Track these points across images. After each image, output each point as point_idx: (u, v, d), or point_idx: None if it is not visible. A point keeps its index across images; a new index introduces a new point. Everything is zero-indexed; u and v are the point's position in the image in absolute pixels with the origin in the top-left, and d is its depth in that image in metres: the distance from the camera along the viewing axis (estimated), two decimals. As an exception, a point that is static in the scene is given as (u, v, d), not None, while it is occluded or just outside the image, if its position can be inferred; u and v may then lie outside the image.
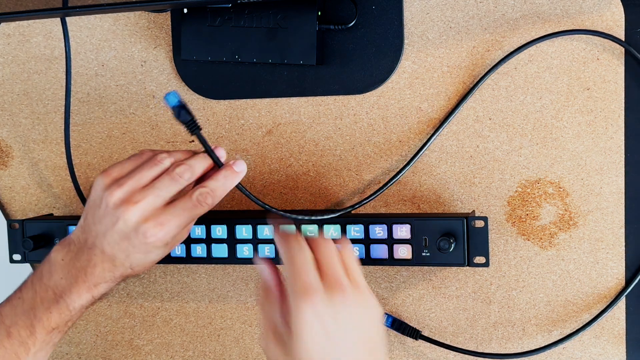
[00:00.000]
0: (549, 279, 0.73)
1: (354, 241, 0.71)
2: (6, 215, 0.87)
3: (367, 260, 0.71)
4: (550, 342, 0.73)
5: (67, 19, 0.78)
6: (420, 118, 0.75)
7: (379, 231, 0.70)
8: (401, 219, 0.70)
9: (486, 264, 0.69)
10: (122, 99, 0.83)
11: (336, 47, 0.76)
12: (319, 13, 0.74)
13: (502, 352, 0.74)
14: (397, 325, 0.75)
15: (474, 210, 0.73)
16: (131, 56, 0.82)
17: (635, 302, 0.71)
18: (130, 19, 0.82)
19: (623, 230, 0.71)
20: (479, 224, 0.69)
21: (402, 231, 0.69)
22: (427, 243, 0.69)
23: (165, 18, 0.80)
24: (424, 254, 0.69)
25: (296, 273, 0.57)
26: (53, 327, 0.67)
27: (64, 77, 0.83)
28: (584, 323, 0.72)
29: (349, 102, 0.77)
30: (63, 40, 0.76)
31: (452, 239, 0.67)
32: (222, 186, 0.67)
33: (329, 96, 0.77)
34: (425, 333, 0.76)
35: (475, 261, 0.69)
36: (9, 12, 0.69)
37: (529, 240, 0.73)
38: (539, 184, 0.72)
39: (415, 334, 0.75)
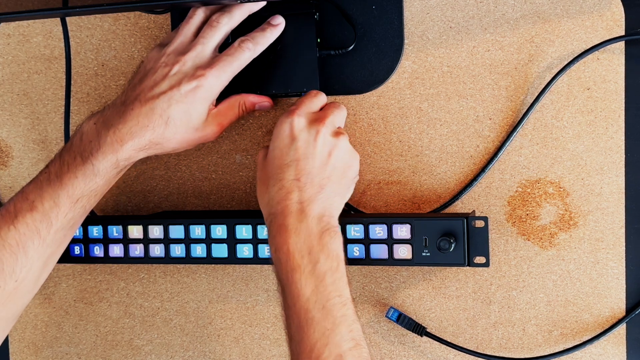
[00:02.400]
0: (549, 279, 0.73)
1: (354, 241, 0.71)
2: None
3: (367, 260, 0.70)
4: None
5: (67, 19, 0.78)
6: (420, 118, 0.75)
7: (379, 231, 0.70)
8: (401, 219, 0.70)
9: (486, 264, 0.69)
10: (122, 99, 0.83)
11: (336, 47, 0.76)
12: (319, 40, 0.74)
13: (506, 356, 0.74)
14: (402, 320, 0.75)
15: (474, 210, 0.73)
16: (131, 56, 0.82)
17: (635, 303, 0.71)
18: (130, 19, 0.82)
19: (623, 230, 0.71)
20: (479, 224, 0.69)
21: (402, 231, 0.69)
22: (427, 243, 0.69)
23: (165, 18, 0.80)
24: (424, 254, 0.69)
25: (299, 101, 0.68)
26: (78, 196, 0.66)
27: (64, 77, 0.83)
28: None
29: (349, 102, 0.77)
30: (62, 40, 0.77)
31: (452, 239, 0.67)
32: (261, 35, 0.71)
33: (329, 96, 0.77)
34: (425, 333, 0.76)
35: (475, 261, 0.69)
36: (9, 12, 0.69)
37: (529, 240, 0.73)
38: (539, 184, 0.72)
39: (420, 330, 0.74)
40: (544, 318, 0.73)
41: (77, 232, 0.77)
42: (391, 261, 0.70)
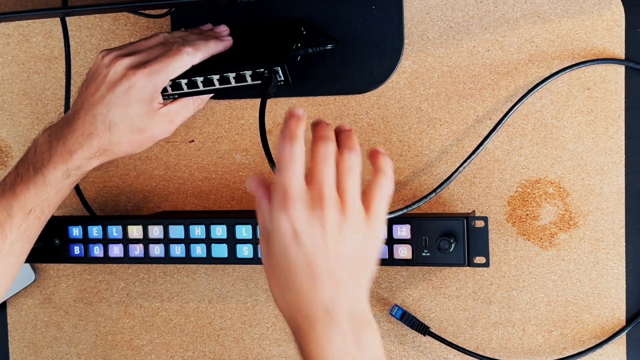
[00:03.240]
0: (549, 279, 0.73)
1: None
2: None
3: None
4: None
5: (67, 19, 0.78)
6: (420, 118, 0.75)
7: None
8: (401, 218, 0.70)
9: (486, 264, 0.69)
10: (122, 99, 0.83)
11: (336, 47, 0.76)
12: (299, 45, 0.72)
13: (506, 356, 0.74)
14: (406, 318, 0.75)
15: (474, 211, 0.73)
16: (131, 56, 0.82)
17: (635, 303, 0.71)
18: (130, 19, 0.81)
19: (623, 230, 0.71)
20: (479, 224, 0.69)
21: (402, 231, 0.69)
22: (427, 243, 0.69)
23: (165, 18, 0.80)
24: (424, 254, 0.69)
25: (280, 172, 0.53)
26: (30, 207, 0.65)
27: (64, 77, 0.83)
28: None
29: (349, 102, 0.77)
30: (62, 40, 0.76)
31: (452, 239, 0.67)
32: (204, 44, 0.69)
33: (329, 96, 0.77)
34: (425, 333, 0.76)
35: (475, 261, 0.69)
36: (9, 12, 0.69)
37: (529, 240, 0.73)
38: (539, 184, 0.72)
39: (423, 329, 0.74)
40: (544, 318, 0.73)
41: (77, 232, 0.77)
42: (391, 261, 0.70)
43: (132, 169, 0.83)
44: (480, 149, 0.71)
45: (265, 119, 0.79)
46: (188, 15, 0.78)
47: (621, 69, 0.70)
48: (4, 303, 0.88)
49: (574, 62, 0.71)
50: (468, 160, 0.71)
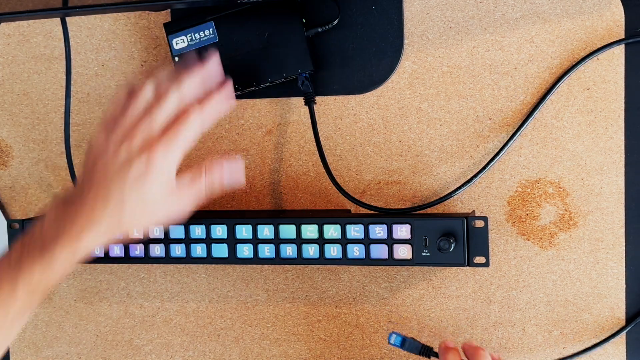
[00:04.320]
0: (549, 279, 0.73)
1: (354, 241, 0.71)
2: (6, 215, 0.87)
3: (367, 260, 0.71)
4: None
5: (67, 19, 0.78)
6: (420, 118, 0.75)
7: (379, 231, 0.70)
8: (401, 218, 0.70)
9: (486, 264, 0.69)
10: (122, 99, 0.83)
11: (336, 47, 0.76)
12: (304, 20, 0.74)
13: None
14: (408, 345, 0.69)
15: (474, 210, 0.73)
16: (131, 56, 0.82)
17: (635, 302, 0.71)
18: (130, 19, 0.82)
19: (623, 230, 0.71)
20: (479, 223, 0.69)
21: (402, 231, 0.69)
22: (427, 243, 0.69)
23: (165, 18, 0.80)
24: (424, 254, 0.69)
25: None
26: (35, 284, 0.63)
27: (64, 77, 0.83)
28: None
29: (349, 102, 0.77)
30: (62, 40, 0.76)
31: (452, 239, 0.67)
32: (209, 105, 0.65)
33: (329, 96, 0.77)
34: (425, 333, 0.76)
35: (475, 261, 0.69)
36: (9, 12, 0.69)
37: (529, 240, 0.73)
38: (539, 184, 0.73)
39: (427, 351, 0.68)
40: (543, 318, 0.73)
41: None
42: (391, 261, 0.70)
43: (132, 169, 0.83)
44: (506, 148, 0.71)
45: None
46: (187, 10, 0.78)
47: (621, 69, 0.70)
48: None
49: (572, 62, 0.71)
50: (495, 159, 0.71)
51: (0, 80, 0.86)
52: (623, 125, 0.70)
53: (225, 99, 0.66)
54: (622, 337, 0.72)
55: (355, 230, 0.70)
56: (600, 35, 0.70)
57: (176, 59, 0.76)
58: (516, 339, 0.74)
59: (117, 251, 0.76)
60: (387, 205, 0.76)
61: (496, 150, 0.73)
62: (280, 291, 0.80)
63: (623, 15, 0.69)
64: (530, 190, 0.73)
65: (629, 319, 0.71)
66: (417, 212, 0.73)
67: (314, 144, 0.77)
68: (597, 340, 0.72)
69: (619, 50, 0.70)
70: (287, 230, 0.72)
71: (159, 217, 0.65)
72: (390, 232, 0.70)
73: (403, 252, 0.69)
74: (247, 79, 0.75)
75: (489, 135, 0.73)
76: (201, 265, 0.81)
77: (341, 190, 0.75)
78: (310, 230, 0.71)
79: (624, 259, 0.71)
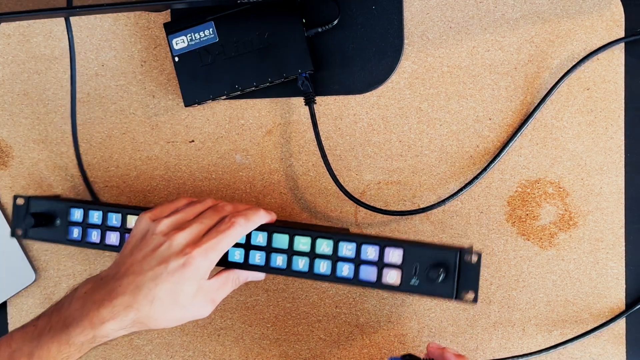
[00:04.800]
0: (549, 279, 0.73)
1: (345, 259, 0.68)
2: (6, 216, 0.87)
3: (354, 280, 0.68)
4: (551, 344, 0.73)
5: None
6: (420, 118, 0.75)
7: (370, 252, 0.67)
8: (395, 242, 0.67)
9: (474, 300, 0.65)
10: (122, 99, 0.83)
11: (336, 47, 0.76)
12: (304, 20, 0.74)
13: (503, 355, 0.74)
14: None
15: (472, 246, 0.67)
16: (131, 56, 0.82)
17: (635, 302, 0.71)
18: (130, 19, 0.82)
19: (623, 230, 0.71)
20: (473, 258, 0.65)
21: (395, 255, 0.66)
22: (417, 271, 0.66)
23: (165, 18, 0.80)
24: (412, 282, 0.66)
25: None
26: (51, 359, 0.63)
27: (64, 77, 0.83)
28: (585, 324, 0.72)
29: (349, 102, 0.77)
30: (62, 40, 0.77)
31: (442, 270, 0.64)
32: (255, 214, 0.68)
33: (329, 96, 0.77)
34: (425, 333, 0.76)
35: (463, 296, 0.65)
36: (9, 12, 0.69)
37: (529, 240, 0.73)
38: (539, 184, 0.73)
39: None
40: (543, 318, 0.73)
41: (78, 214, 0.77)
42: (379, 284, 0.67)
43: (132, 169, 0.83)
44: (506, 148, 0.71)
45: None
46: (187, 10, 0.78)
47: (621, 69, 0.70)
48: (4, 303, 0.88)
49: (572, 62, 0.71)
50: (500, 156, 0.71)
51: (0, 80, 0.86)
52: (623, 125, 0.70)
53: (267, 216, 0.70)
54: (622, 336, 0.72)
55: (347, 249, 0.68)
56: (600, 35, 0.70)
57: (176, 59, 0.76)
58: (516, 339, 0.74)
59: (113, 239, 0.74)
60: (387, 205, 0.76)
61: (496, 151, 0.73)
62: (280, 291, 0.80)
63: (623, 15, 0.70)
64: (530, 190, 0.73)
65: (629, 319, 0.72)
66: (420, 212, 0.73)
67: (314, 144, 0.77)
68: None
69: (619, 50, 0.70)
70: (280, 240, 0.70)
71: (185, 316, 0.65)
72: (382, 254, 0.67)
73: (392, 277, 0.66)
74: (247, 79, 0.75)
75: (488, 135, 0.73)
76: (201, 265, 0.81)
77: (342, 189, 0.75)
78: (303, 243, 0.69)
79: (624, 259, 0.71)
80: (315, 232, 0.69)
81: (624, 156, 0.71)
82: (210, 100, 0.77)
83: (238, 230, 0.66)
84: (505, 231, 0.73)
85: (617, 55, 0.70)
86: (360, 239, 0.68)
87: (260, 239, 0.70)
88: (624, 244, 0.71)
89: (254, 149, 0.79)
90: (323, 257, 0.68)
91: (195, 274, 0.63)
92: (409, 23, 0.74)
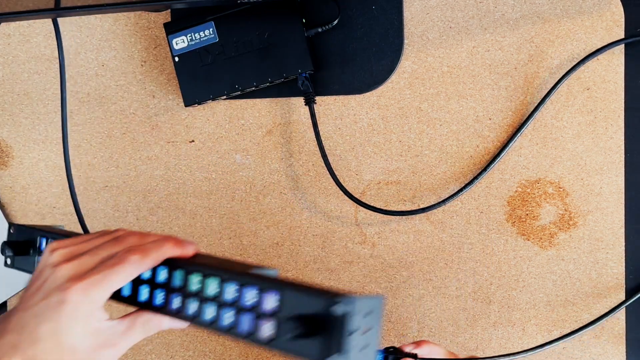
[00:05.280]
0: (549, 279, 0.73)
1: (227, 305, 0.51)
2: (6, 215, 0.87)
3: (233, 333, 0.50)
4: (549, 339, 0.73)
5: (67, 19, 0.78)
6: (420, 118, 0.75)
7: (249, 297, 0.50)
8: (273, 284, 0.49)
9: None
10: (122, 99, 0.83)
11: (336, 47, 0.76)
12: (304, 20, 0.74)
13: (503, 353, 0.74)
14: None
15: (350, 295, 0.45)
16: (131, 56, 0.82)
17: (635, 302, 0.71)
18: (130, 19, 0.82)
19: (623, 230, 0.71)
20: (339, 309, 0.44)
21: (270, 301, 0.48)
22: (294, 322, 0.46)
23: (165, 18, 0.80)
24: (287, 336, 0.47)
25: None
26: None
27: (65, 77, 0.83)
28: (585, 323, 0.72)
29: (349, 102, 0.77)
30: (63, 40, 0.76)
31: (302, 323, 0.46)
32: (156, 250, 0.56)
33: (329, 96, 0.77)
34: (425, 333, 0.76)
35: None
36: (9, 12, 0.69)
37: (529, 240, 0.73)
38: (539, 184, 0.73)
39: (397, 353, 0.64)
40: (543, 318, 0.73)
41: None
42: (252, 338, 0.49)
43: (132, 169, 0.83)
44: (506, 148, 0.71)
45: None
46: (187, 10, 0.78)
47: (621, 69, 0.70)
48: (4, 303, 0.88)
49: (572, 62, 0.71)
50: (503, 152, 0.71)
51: (0, 80, 0.86)
52: (623, 125, 0.70)
53: (177, 249, 0.57)
54: (622, 336, 0.72)
55: (234, 290, 0.51)
56: (600, 36, 0.70)
57: (176, 59, 0.76)
58: (516, 339, 0.74)
59: None
60: (387, 205, 0.76)
61: (496, 151, 0.73)
62: (280, 291, 0.80)
63: (623, 15, 0.70)
64: (530, 190, 0.73)
65: (629, 319, 0.72)
66: (420, 212, 0.73)
67: (314, 144, 0.77)
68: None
69: (619, 50, 0.70)
70: (178, 277, 0.55)
71: (83, 359, 0.56)
72: (260, 299, 0.49)
73: (267, 329, 0.48)
74: (247, 79, 0.75)
75: (488, 135, 0.73)
76: (201, 265, 0.81)
77: (343, 189, 0.75)
78: (194, 282, 0.54)
79: (624, 259, 0.71)
80: (215, 270, 0.53)
81: (623, 156, 0.71)
82: (210, 100, 0.77)
83: (129, 267, 0.56)
84: (505, 231, 0.74)
85: (617, 56, 0.70)
86: (242, 280, 0.51)
87: (162, 275, 0.57)
88: (623, 244, 0.71)
89: (254, 149, 0.80)
90: (210, 300, 0.53)
91: (76, 313, 0.55)
92: (409, 23, 0.74)
